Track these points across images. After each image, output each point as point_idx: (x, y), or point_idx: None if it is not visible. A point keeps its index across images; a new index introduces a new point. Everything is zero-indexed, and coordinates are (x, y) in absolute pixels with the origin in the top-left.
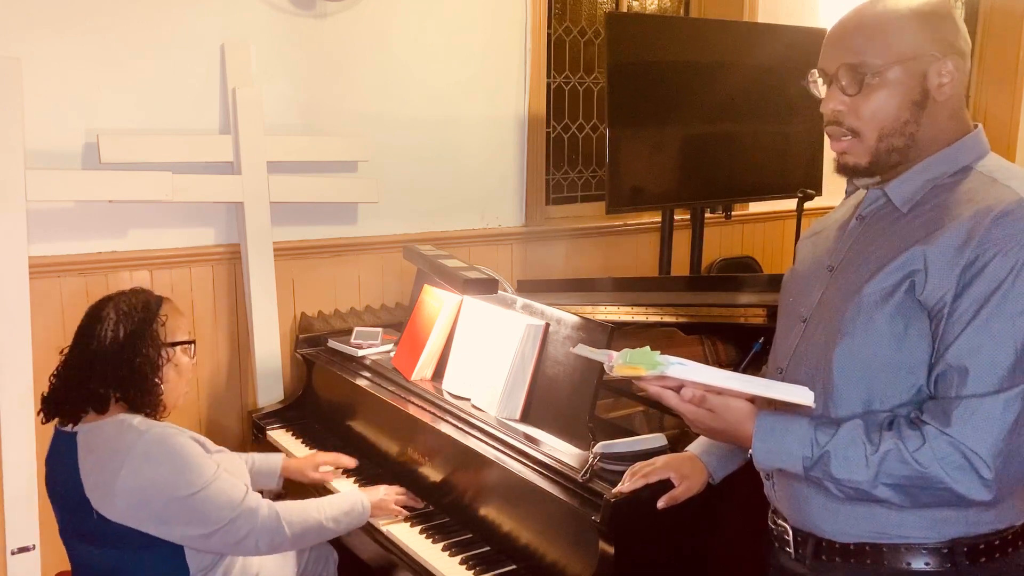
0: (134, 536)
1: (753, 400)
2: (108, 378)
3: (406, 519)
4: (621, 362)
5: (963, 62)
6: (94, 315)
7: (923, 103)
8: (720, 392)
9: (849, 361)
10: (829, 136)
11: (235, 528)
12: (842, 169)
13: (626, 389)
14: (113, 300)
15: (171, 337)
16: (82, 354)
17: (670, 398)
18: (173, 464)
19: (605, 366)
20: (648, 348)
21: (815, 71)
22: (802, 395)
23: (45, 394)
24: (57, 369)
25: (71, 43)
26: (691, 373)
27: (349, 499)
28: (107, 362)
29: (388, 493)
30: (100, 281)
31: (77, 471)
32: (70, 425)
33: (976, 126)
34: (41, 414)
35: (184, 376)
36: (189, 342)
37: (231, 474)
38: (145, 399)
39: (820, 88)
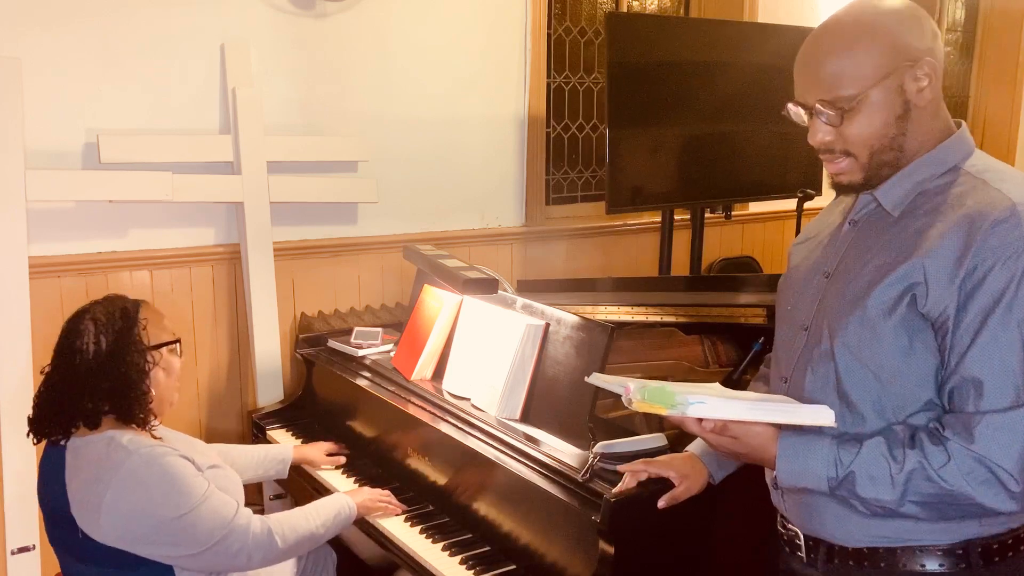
0: (120, 555)
1: None
2: (97, 392)
3: (406, 519)
4: (639, 398)
5: (935, 58)
6: (72, 330)
7: (907, 114)
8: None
9: (858, 371)
10: (824, 161)
11: (225, 546)
12: (838, 188)
13: None
14: (89, 311)
15: (155, 340)
16: (67, 371)
17: (691, 426)
18: (161, 486)
19: (623, 399)
20: (666, 386)
21: (791, 105)
22: (824, 416)
23: (31, 416)
24: (41, 389)
25: (71, 43)
26: (712, 411)
27: (336, 503)
28: (94, 376)
29: (372, 494)
30: (100, 281)
31: (64, 488)
32: (61, 440)
33: (959, 124)
34: (30, 435)
35: (173, 376)
36: (174, 342)
37: (223, 490)
38: (135, 408)
39: (802, 116)
